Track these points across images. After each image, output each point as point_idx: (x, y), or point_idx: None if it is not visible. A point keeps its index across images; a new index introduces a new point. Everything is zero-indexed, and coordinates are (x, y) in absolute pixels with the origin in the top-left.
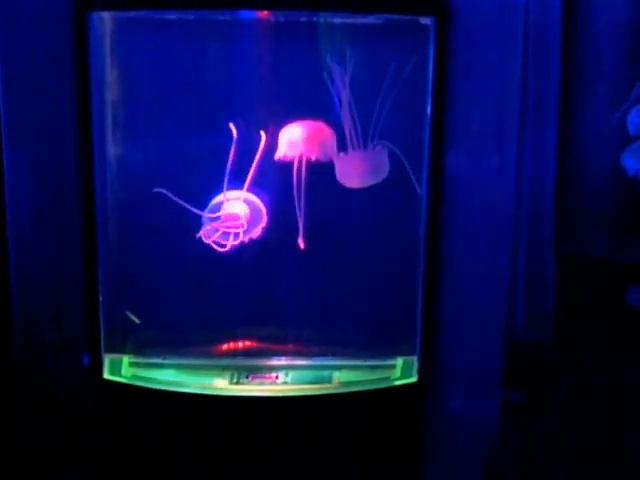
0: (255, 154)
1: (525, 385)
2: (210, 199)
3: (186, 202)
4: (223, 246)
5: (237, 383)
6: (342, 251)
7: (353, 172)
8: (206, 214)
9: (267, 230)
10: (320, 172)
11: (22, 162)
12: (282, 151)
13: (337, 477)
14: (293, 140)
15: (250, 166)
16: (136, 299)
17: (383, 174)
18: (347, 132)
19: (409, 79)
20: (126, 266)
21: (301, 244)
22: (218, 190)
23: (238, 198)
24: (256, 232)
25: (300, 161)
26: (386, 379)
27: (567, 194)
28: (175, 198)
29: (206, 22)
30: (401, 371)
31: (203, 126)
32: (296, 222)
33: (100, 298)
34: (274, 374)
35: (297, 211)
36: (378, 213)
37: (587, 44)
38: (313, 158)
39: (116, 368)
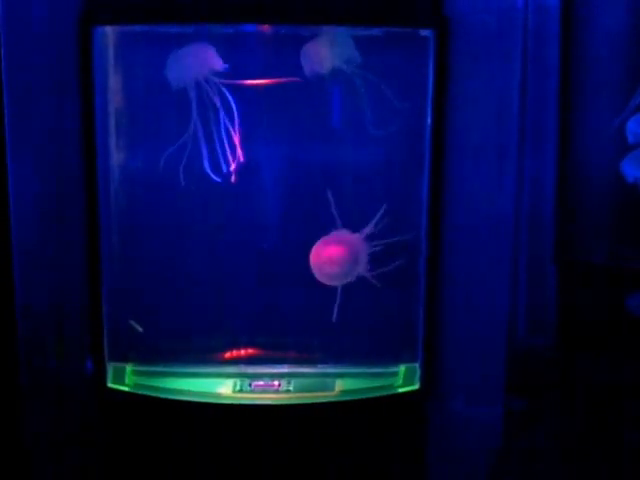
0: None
1: (527, 392)
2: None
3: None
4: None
5: (240, 391)
6: None
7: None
8: None
9: (271, 239)
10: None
11: (27, 171)
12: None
13: None
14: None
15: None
16: (139, 307)
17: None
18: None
19: (409, 90)
20: (129, 274)
21: None
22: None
23: None
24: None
25: None
26: (389, 386)
27: (567, 202)
28: None
29: (208, 35)
30: (403, 378)
31: (206, 136)
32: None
33: (103, 307)
34: (276, 382)
35: None
36: (381, 222)
37: (585, 54)
38: None
39: (119, 376)
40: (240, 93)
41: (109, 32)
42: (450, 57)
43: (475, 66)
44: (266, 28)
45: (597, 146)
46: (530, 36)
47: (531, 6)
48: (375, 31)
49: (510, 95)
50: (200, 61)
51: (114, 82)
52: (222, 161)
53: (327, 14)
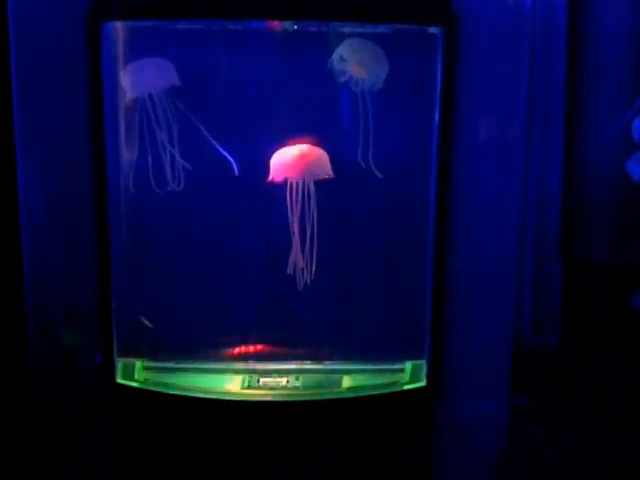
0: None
1: (532, 389)
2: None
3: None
4: None
5: (248, 387)
6: (351, 256)
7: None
8: None
9: (276, 237)
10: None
11: (36, 168)
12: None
13: None
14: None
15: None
16: (149, 304)
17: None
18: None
19: (417, 87)
20: (139, 271)
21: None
22: (227, 194)
23: None
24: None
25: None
26: (395, 383)
27: (573, 200)
28: None
29: (217, 32)
30: (410, 375)
31: (213, 134)
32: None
33: (113, 303)
34: (285, 378)
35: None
36: (388, 219)
37: (592, 53)
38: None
39: (129, 372)
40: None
41: (118, 28)
42: (458, 54)
43: (483, 63)
44: (274, 24)
45: (603, 144)
46: (537, 33)
47: (539, 3)
48: (382, 28)
49: (517, 92)
50: (157, 76)
51: (124, 78)
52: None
53: (334, 11)
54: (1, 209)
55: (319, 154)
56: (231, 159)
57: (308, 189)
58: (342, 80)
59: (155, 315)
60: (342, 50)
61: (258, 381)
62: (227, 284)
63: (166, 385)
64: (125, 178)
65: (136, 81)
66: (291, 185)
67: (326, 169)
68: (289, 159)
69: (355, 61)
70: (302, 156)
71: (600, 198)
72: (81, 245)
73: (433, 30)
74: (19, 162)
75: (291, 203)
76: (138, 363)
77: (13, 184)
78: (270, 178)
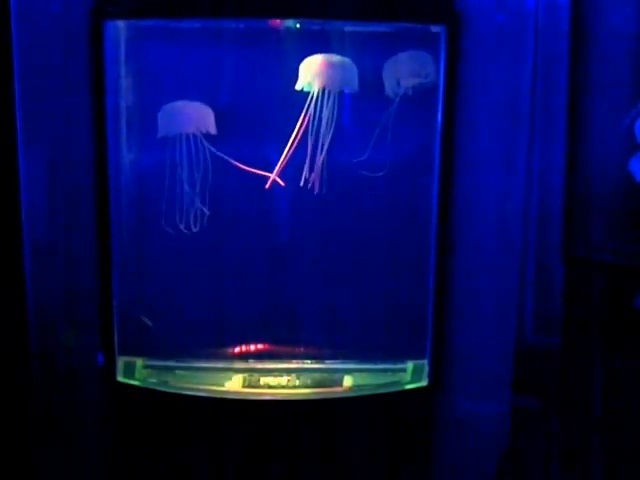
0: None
1: (534, 389)
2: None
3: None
4: None
5: (249, 386)
6: (354, 255)
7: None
8: None
9: (280, 232)
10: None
11: (37, 167)
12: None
13: None
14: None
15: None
16: (150, 302)
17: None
18: None
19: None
20: (140, 270)
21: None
22: (231, 192)
23: None
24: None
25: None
26: (397, 383)
27: (575, 200)
28: None
29: (219, 30)
30: (412, 375)
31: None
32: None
33: (114, 302)
34: (286, 377)
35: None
36: (390, 219)
37: (595, 53)
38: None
39: (130, 371)
40: None
41: (121, 26)
42: (461, 54)
43: (486, 63)
44: (276, 23)
45: (606, 145)
46: (540, 33)
47: (542, 4)
48: (385, 27)
49: (520, 92)
50: (195, 120)
51: (126, 76)
52: None
53: (336, 9)
54: (2, 208)
55: (350, 65)
56: (266, 173)
57: (331, 102)
58: (397, 100)
59: (156, 314)
60: (394, 72)
61: (259, 380)
62: (228, 283)
63: (167, 384)
64: (126, 177)
65: (172, 121)
66: (317, 93)
67: (353, 82)
68: (317, 65)
69: (409, 78)
70: (331, 64)
71: (602, 198)
72: (82, 244)
73: (436, 29)
74: (21, 161)
75: (312, 113)
76: (139, 362)
77: (14, 182)
78: (297, 86)
